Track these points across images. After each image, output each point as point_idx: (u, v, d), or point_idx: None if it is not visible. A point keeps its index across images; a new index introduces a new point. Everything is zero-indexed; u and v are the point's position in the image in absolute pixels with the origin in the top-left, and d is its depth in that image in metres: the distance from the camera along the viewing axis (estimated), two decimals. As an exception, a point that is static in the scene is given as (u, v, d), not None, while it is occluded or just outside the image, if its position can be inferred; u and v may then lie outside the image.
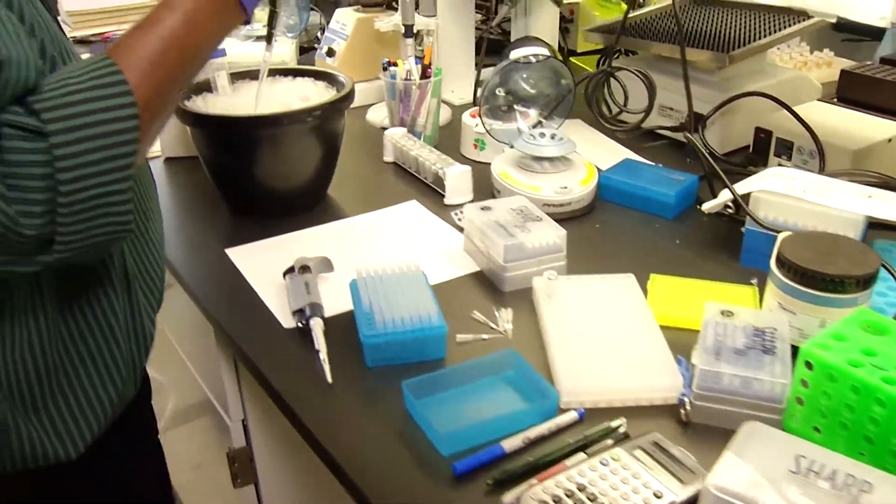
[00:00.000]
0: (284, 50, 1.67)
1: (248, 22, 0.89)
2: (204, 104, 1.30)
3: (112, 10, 2.45)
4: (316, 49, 2.05)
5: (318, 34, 2.24)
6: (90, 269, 0.87)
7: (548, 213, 1.18)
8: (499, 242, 1.07)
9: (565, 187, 1.25)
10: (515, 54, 1.34)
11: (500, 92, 1.42)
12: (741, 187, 1.15)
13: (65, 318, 0.86)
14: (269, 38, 1.04)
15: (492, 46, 1.88)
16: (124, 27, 2.42)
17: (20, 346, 0.82)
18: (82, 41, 2.41)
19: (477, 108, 1.52)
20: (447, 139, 1.57)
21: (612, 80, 1.48)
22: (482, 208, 1.16)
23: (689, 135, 1.28)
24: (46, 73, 0.74)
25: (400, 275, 1.04)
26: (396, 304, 0.97)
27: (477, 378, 0.92)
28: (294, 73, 1.40)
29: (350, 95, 1.28)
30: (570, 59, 2.06)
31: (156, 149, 1.56)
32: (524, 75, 1.42)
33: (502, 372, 0.93)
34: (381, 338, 0.94)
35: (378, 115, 1.68)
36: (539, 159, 1.28)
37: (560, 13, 1.87)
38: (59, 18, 2.54)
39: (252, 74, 1.39)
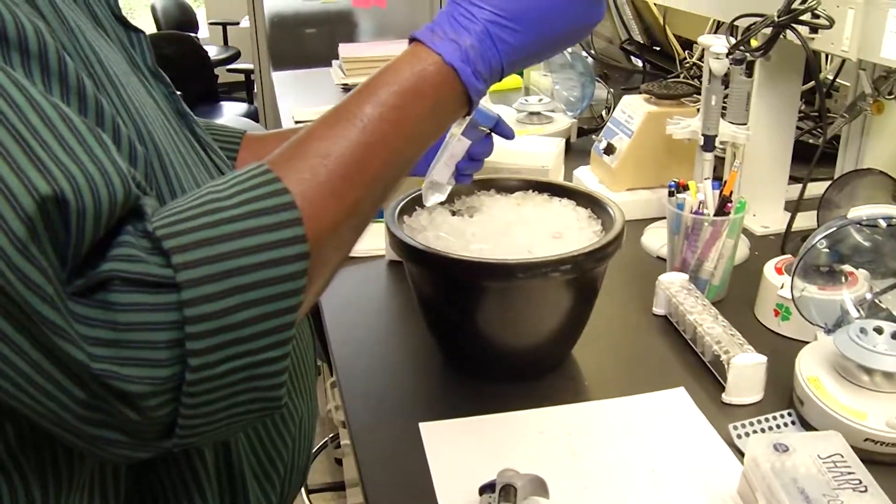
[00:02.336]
0: (550, 150, 1.37)
1: (469, 114, 0.70)
2: (429, 220, 1.03)
3: (387, 58, 2.29)
4: (595, 134, 1.75)
5: (604, 112, 1.94)
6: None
7: (869, 453, 0.83)
8: (795, 522, 0.72)
9: (905, 420, 0.87)
10: (857, 213, 0.97)
11: (824, 245, 1.05)
12: None
13: None
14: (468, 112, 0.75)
15: (805, 151, 1.49)
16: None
17: None
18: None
19: (785, 259, 1.15)
20: (739, 287, 1.20)
21: None
22: (776, 447, 0.80)
23: None
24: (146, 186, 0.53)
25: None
26: None
27: None
28: (552, 189, 1.10)
29: (617, 240, 0.97)
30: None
31: (379, 246, 1.32)
32: (861, 234, 1.03)
33: None
34: None
35: (656, 239, 1.34)
36: (870, 370, 0.90)
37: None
38: (335, 63, 2.44)
39: (506, 186, 1.11)
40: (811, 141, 1.67)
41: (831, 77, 1.67)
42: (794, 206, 1.27)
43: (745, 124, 1.29)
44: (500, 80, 0.70)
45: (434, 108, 0.65)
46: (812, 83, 1.57)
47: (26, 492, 0.58)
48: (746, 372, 0.96)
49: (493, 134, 0.98)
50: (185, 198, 0.54)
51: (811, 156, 1.21)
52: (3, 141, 0.46)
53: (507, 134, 1.00)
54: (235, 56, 5.85)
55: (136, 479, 0.64)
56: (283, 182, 0.54)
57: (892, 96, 1.32)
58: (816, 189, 1.33)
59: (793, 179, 1.45)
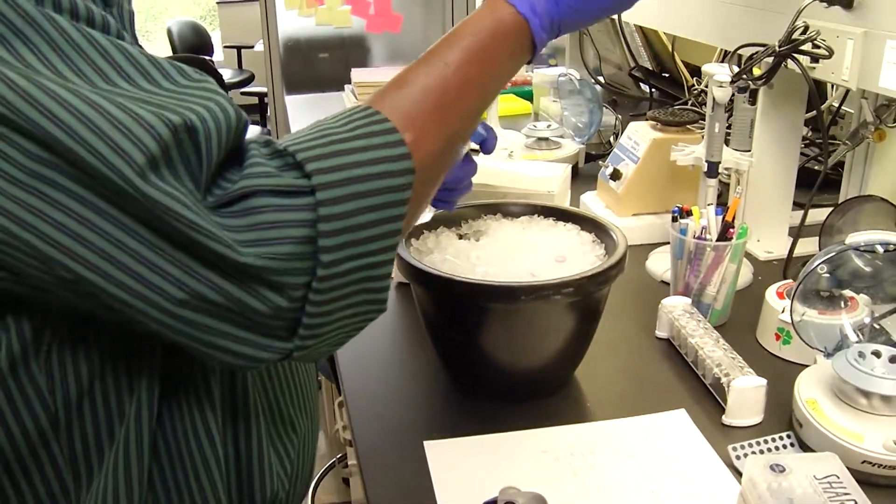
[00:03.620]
0: (556, 175, 1.39)
1: (530, 62, 0.80)
2: (436, 243, 1.06)
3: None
4: (603, 160, 1.77)
5: (612, 138, 1.96)
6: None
7: (866, 475, 0.86)
8: (790, 541, 0.73)
9: (902, 442, 0.88)
10: (855, 239, 0.99)
11: (824, 270, 1.06)
12: None
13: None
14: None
15: (811, 177, 1.51)
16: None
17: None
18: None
19: (787, 284, 1.17)
20: (742, 311, 1.22)
21: None
22: (773, 467, 0.81)
23: None
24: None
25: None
26: None
27: None
28: (557, 214, 1.12)
29: (619, 264, 0.99)
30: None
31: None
32: (861, 259, 1.05)
33: None
34: None
35: (661, 264, 1.36)
36: (867, 394, 0.92)
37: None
38: (347, 87, 2.47)
39: (512, 210, 1.14)
40: (817, 167, 1.69)
41: (836, 104, 1.69)
42: (796, 232, 1.29)
43: (749, 151, 1.32)
44: (556, 36, 0.80)
45: (508, 52, 0.75)
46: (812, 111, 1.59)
47: (57, 474, 0.63)
48: (746, 394, 0.98)
49: (475, 160, 1.01)
50: (298, 131, 0.62)
51: (813, 180, 1.24)
52: (130, 91, 0.55)
53: (489, 149, 1.03)
54: (250, 79, 5.92)
55: (156, 459, 0.68)
56: (384, 114, 0.63)
57: (895, 124, 1.34)
58: (821, 215, 1.35)
59: (797, 205, 1.46)
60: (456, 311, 1.00)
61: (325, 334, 0.61)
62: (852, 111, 1.62)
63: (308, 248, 0.57)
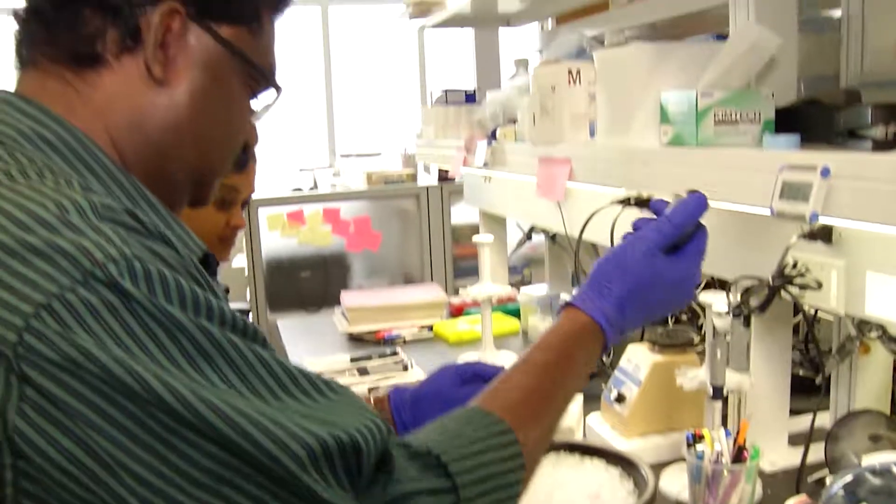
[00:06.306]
0: (573, 408, 1.45)
1: (602, 360, 0.92)
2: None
3: (389, 307, 2.40)
4: (601, 379, 1.84)
5: (604, 356, 2.03)
6: None
7: None
8: None
9: None
10: (870, 462, 1.05)
11: (841, 494, 1.12)
12: None
13: None
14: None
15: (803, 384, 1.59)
16: (400, 325, 2.34)
17: None
18: (357, 338, 2.35)
19: (801, 499, 1.22)
20: (760, 529, 1.27)
21: None
22: None
23: None
24: None
25: None
26: None
27: None
28: (582, 450, 1.18)
29: (652, 502, 1.04)
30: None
31: None
32: (875, 477, 1.11)
33: None
34: None
35: (673, 484, 1.40)
36: None
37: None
38: (339, 312, 2.52)
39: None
40: (801, 373, 1.77)
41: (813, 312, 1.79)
42: (803, 451, 1.34)
43: (747, 369, 1.40)
44: (621, 337, 0.93)
45: (587, 355, 0.88)
46: (798, 315, 1.68)
47: None
48: None
49: None
50: (428, 428, 0.74)
51: (802, 386, 1.30)
52: (293, 406, 0.62)
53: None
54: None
55: None
56: (498, 415, 0.75)
57: (875, 338, 1.43)
58: (807, 420, 1.41)
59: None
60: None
61: None
62: (830, 318, 1.72)
63: None
